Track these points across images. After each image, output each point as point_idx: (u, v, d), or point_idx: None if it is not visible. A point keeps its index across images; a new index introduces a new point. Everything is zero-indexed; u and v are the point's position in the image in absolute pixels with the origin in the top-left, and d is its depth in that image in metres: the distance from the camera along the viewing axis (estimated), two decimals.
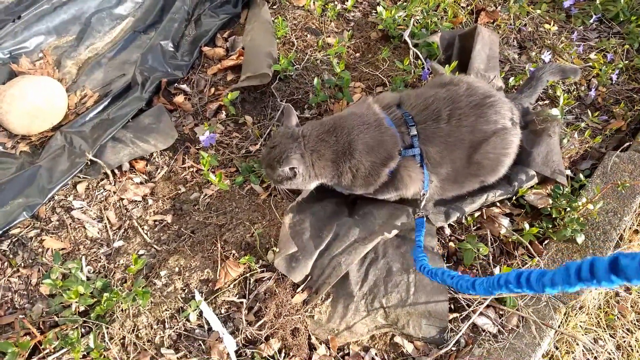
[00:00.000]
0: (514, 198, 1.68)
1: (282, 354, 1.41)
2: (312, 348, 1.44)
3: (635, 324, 1.57)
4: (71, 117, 1.91)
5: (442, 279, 1.15)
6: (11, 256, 1.58)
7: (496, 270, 1.51)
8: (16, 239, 1.61)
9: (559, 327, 1.46)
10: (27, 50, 2.04)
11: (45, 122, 1.84)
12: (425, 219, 1.52)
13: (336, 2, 2.28)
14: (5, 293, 1.51)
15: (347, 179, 1.50)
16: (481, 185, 1.59)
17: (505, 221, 1.65)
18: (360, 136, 1.45)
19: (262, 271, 1.53)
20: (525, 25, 2.33)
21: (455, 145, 1.46)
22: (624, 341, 1.53)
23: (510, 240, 1.61)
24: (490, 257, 1.59)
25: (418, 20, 2.16)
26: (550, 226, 1.62)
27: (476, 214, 1.67)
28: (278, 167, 1.45)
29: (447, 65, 1.85)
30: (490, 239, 1.62)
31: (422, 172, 1.47)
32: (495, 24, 2.32)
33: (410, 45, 1.95)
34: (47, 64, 2.04)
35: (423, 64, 1.96)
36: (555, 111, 1.86)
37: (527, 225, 1.57)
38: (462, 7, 2.34)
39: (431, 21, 2.13)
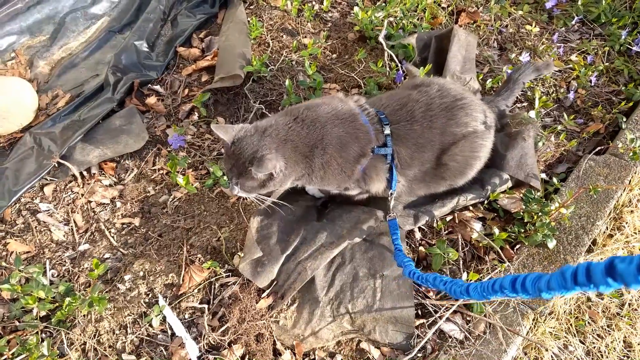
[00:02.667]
0: (486, 202, 1.65)
1: None
2: (277, 354, 1.42)
3: (605, 329, 1.55)
4: (41, 118, 1.88)
5: (435, 284, 1.12)
6: None
7: (464, 276, 1.49)
8: None
9: (527, 333, 1.44)
10: None
11: (13, 123, 1.81)
12: (397, 220, 1.49)
13: (313, 3, 2.25)
14: None
15: (318, 175, 1.40)
16: (450, 188, 1.57)
17: (477, 225, 1.63)
18: (335, 130, 1.37)
19: (228, 276, 1.51)
20: (506, 26, 2.31)
21: (426, 146, 1.43)
22: (594, 347, 1.51)
23: (481, 244, 1.59)
24: (461, 262, 1.56)
25: (395, 21, 2.13)
26: (522, 230, 1.59)
27: (448, 218, 1.65)
28: (253, 170, 1.27)
29: (421, 68, 1.82)
30: (462, 243, 1.60)
31: (387, 172, 1.43)
32: (475, 25, 2.29)
33: (385, 47, 1.93)
34: (19, 64, 2.01)
35: (397, 66, 1.93)
36: (532, 114, 1.84)
37: (496, 230, 1.55)
38: (442, 7, 2.31)
39: (409, 22, 2.10)
